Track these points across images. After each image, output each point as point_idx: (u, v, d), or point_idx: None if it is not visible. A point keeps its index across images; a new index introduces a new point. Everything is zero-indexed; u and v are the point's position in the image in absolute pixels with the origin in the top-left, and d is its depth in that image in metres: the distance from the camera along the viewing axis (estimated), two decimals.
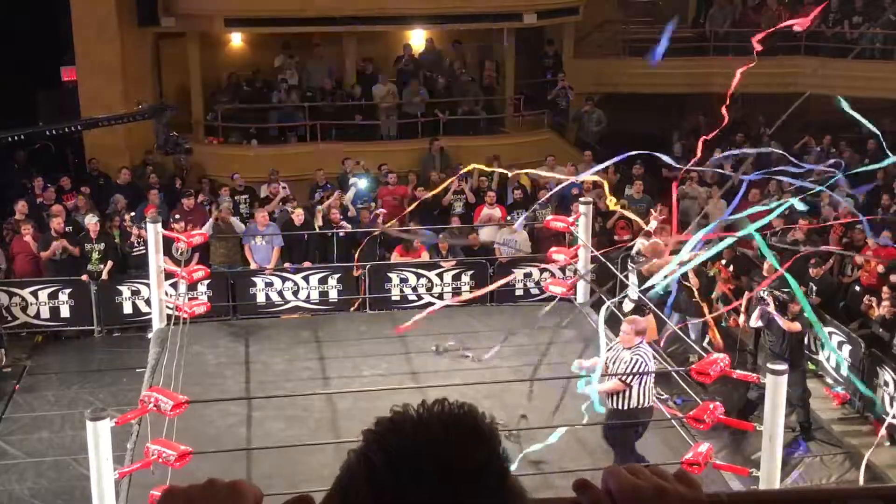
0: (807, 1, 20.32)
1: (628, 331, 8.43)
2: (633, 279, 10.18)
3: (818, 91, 19.66)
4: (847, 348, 11.80)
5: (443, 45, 20.04)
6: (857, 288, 12.72)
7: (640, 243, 10.82)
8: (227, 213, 14.08)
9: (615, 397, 8.31)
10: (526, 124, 19.80)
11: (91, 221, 13.36)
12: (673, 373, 9.79)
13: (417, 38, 19.93)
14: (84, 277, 13.02)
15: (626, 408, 8.31)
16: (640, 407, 8.34)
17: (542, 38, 20.47)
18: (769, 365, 7.74)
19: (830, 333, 12.12)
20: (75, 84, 17.34)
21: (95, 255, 13.22)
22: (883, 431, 10.56)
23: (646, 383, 8.33)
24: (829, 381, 12.13)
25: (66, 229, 13.39)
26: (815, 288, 12.69)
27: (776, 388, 7.49)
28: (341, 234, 13.79)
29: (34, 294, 13.04)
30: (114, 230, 13.74)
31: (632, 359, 8.30)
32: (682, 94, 20.44)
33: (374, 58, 19.44)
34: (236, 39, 19.54)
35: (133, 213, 13.74)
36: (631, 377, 8.22)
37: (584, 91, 20.09)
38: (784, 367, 7.62)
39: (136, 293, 13.17)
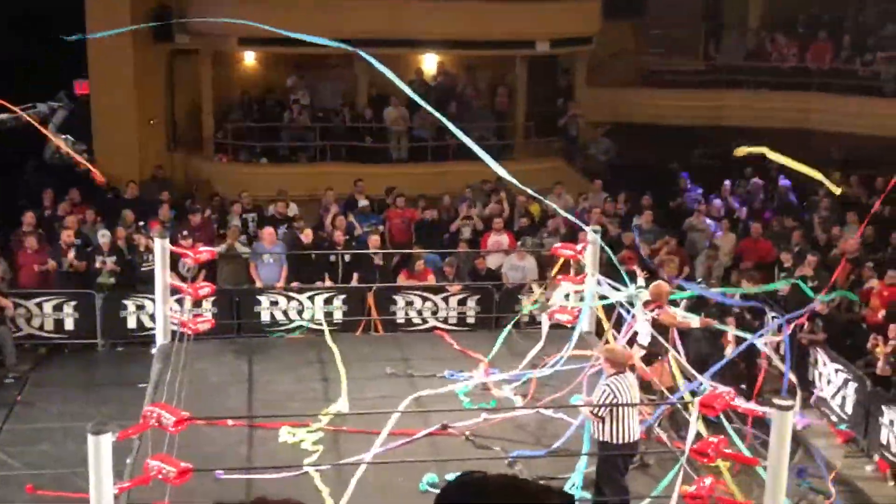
0: (820, 38, 20.43)
1: (600, 359, 8.37)
2: (643, 325, 10.05)
3: (828, 128, 19.71)
4: (853, 386, 11.74)
5: (455, 69, 20.12)
6: (864, 326, 12.67)
7: (641, 283, 10.68)
8: (235, 235, 14.11)
9: (594, 428, 8.23)
10: (536, 151, 19.84)
11: (103, 240, 13.40)
12: (678, 406, 9.71)
13: (430, 63, 20.01)
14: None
15: (601, 440, 8.22)
16: (614, 442, 8.20)
17: (555, 65, 20.55)
18: (775, 400, 7.67)
19: (837, 370, 12.07)
20: (88, 97, 17.40)
21: (106, 270, 13.26)
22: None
23: (620, 417, 8.17)
24: (834, 418, 12.06)
25: (76, 242, 13.43)
26: (821, 324, 12.65)
27: (782, 423, 7.43)
28: (346, 257, 13.80)
29: (39, 306, 13.06)
30: (122, 244, 13.77)
31: (601, 388, 8.20)
32: (693, 126, 20.48)
33: (387, 80, 19.47)
34: (249, 58, 19.65)
35: (142, 224, 13.78)
36: (600, 409, 8.11)
37: (596, 120, 20.15)
38: (791, 402, 7.56)
39: (140, 308, 13.17)
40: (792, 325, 10.76)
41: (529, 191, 10.10)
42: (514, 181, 9.55)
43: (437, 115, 9.16)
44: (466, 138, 8.82)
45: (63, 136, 9.97)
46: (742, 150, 10.12)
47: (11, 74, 16.49)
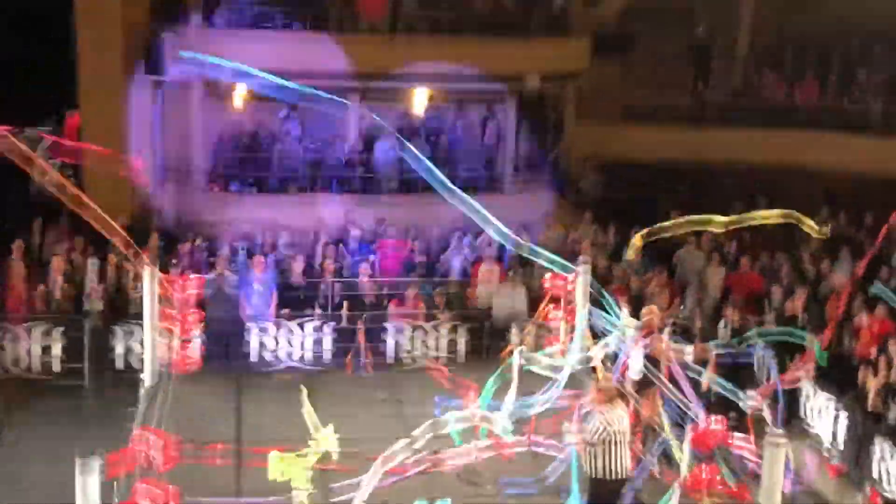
0: (808, 75, 20.63)
1: (591, 394, 8.34)
2: (636, 356, 10.02)
3: (816, 164, 19.84)
4: (844, 418, 11.72)
5: (445, 104, 20.20)
6: (853, 360, 12.66)
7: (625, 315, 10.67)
8: (224, 264, 14.08)
9: (586, 463, 8.17)
10: (525, 185, 19.89)
11: (93, 269, 13.33)
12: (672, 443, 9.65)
13: (420, 98, 20.09)
14: None
15: (593, 476, 8.15)
16: (606, 477, 8.12)
17: (544, 100, 20.66)
18: (767, 436, 7.65)
19: (827, 404, 12.04)
20: (78, 130, 17.40)
21: (95, 300, 13.17)
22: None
23: (612, 452, 8.10)
24: (825, 452, 12.03)
25: (65, 270, 13.36)
26: None
27: (774, 459, 7.41)
28: (337, 288, 13.77)
29: (27, 331, 12.94)
30: (111, 273, 13.69)
31: (593, 424, 8.14)
32: (680, 161, 20.58)
33: (378, 114, 19.56)
34: (241, 90, 19.65)
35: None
36: (592, 440, 8.05)
37: (583, 155, 20.25)
38: (783, 436, 7.54)
39: (129, 336, 13.06)
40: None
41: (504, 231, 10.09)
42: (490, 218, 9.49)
43: (396, 140, 9.05)
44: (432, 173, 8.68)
45: (50, 161, 9.91)
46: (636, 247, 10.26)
47: (11, 74, 16.50)
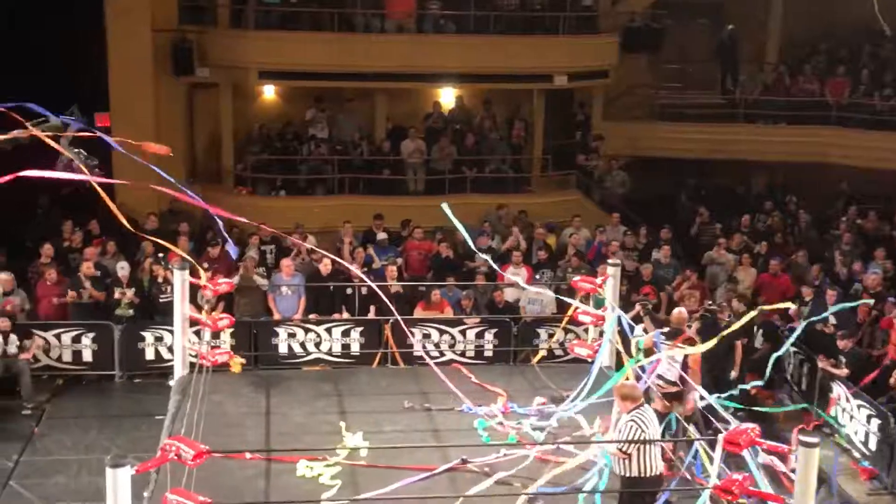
0: (838, 72, 20.41)
1: (616, 398, 8.31)
2: (666, 357, 9.93)
3: (846, 162, 19.66)
4: (876, 422, 11.60)
5: (472, 102, 20.18)
6: (888, 362, 12.52)
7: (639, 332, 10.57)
8: (251, 265, 14.13)
9: (619, 464, 8.14)
10: (553, 184, 19.84)
11: (122, 272, 13.42)
12: (702, 441, 9.59)
13: (447, 96, 20.08)
14: None
15: (627, 475, 8.12)
16: (641, 476, 8.09)
17: (572, 98, 20.58)
18: (801, 437, 7.56)
19: (860, 406, 11.93)
20: (108, 130, 17.50)
21: (125, 301, 13.26)
22: None
23: (646, 451, 8.08)
24: (857, 454, 11.92)
25: (95, 273, 13.45)
26: (843, 360, 12.53)
27: (807, 460, 7.32)
28: (363, 289, 13.77)
29: (57, 337, 13.06)
30: (143, 275, 13.78)
31: (627, 425, 8.11)
32: (710, 159, 20.47)
33: (405, 113, 19.61)
34: (269, 92, 19.76)
35: (161, 255, 13.76)
36: (629, 446, 8.02)
37: (612, 153, 20.17)
38: (817, 439, 7.45)
39: (159, 339, 13.16)
40: None
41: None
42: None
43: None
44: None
45: (76, 151, 9.85)
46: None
47: (40, 74, 16.59)
